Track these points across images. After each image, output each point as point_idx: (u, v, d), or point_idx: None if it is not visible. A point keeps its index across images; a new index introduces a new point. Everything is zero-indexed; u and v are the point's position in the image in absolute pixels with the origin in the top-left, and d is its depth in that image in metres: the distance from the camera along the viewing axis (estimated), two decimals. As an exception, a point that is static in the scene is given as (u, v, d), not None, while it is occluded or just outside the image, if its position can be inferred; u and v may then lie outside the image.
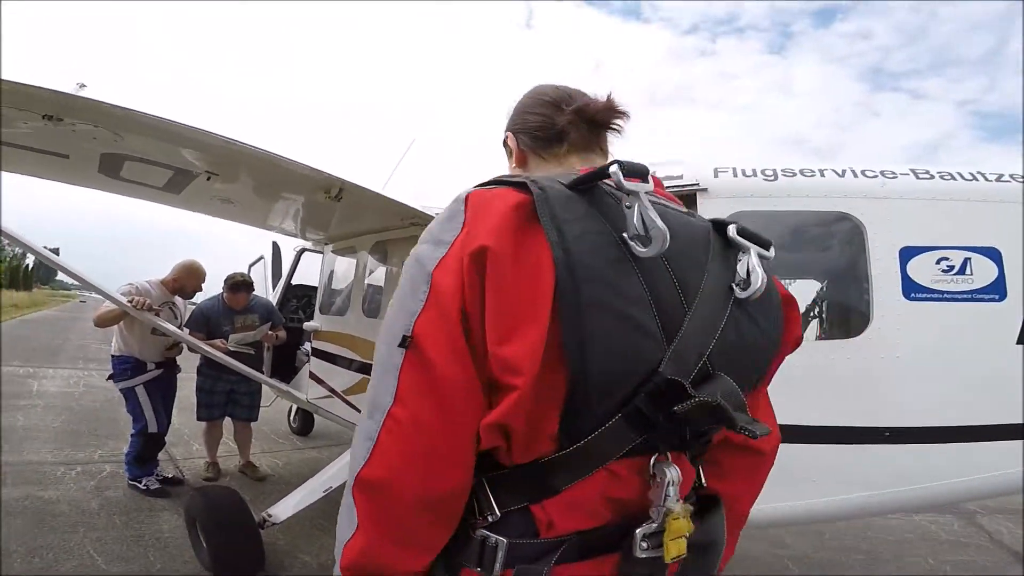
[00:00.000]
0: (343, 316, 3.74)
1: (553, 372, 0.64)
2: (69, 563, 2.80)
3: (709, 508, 0.81)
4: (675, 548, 0.69)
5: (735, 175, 2.10)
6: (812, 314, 2.16)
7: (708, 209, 2.06)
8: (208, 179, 2.73)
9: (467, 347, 0.65)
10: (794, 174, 2.06)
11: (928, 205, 1.97)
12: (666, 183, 2.12)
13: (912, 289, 1.92)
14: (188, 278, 3.95)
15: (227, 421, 4.42)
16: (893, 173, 2.04)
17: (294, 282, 4.86)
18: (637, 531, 0.69)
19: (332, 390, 3.67)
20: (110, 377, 3.89)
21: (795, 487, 1.99)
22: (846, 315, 2.10)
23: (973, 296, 1.92)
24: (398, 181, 3.58)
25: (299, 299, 4.86)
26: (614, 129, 0.91)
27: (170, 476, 4.07)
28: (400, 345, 0.67)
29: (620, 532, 0.70)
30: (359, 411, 3.31)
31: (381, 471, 0.68)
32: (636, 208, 0.67)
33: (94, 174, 2.77)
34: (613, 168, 0.68)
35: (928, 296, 1.91)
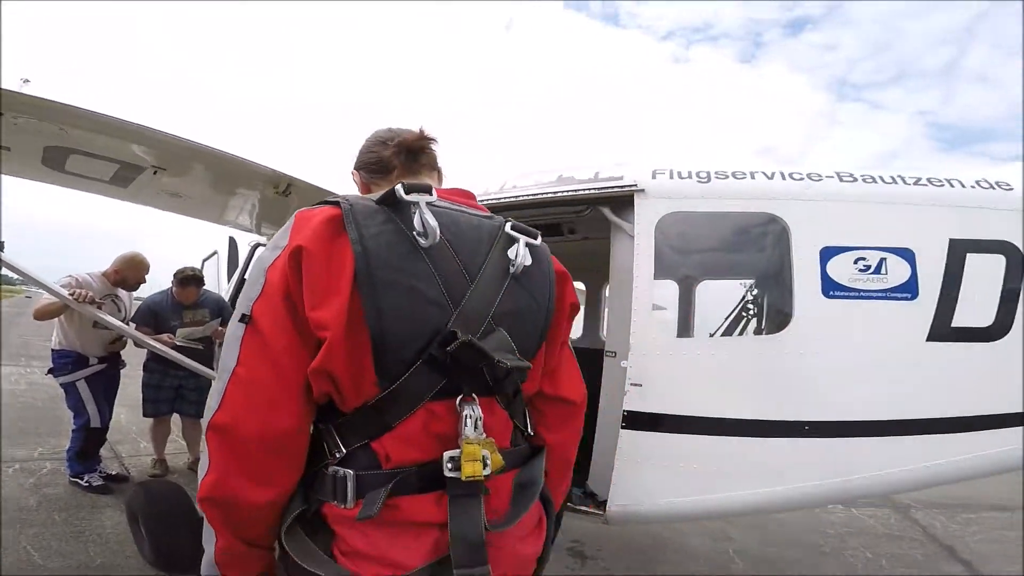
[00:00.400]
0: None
1: (360, 332, 0.87)
2: (4, 559, 2.75)
3: (534, 454, 1.08)
4: (470, 468, 0.89)
5: (671, 177, 2.20)
6: (746, 312, 2.28)
7: (645, 208, 2.16)
8: (155, 173, 2.73)
9: (290, 321, 0.88)
10: (727, 176, 2.17)
11: (849, 207, 2.10)
12: (608, 184, 2.22)
13: (831, 287, 2.04)
14: (129, 270, 3.88)
15: (176, 418, 4.34)
16: (819, 176, 2.17)
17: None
18: (445, 453, 0.90)
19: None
20: (50, 371, 3.80)
21: (727, 479, 2.10)
22: (771, 313, 2.22)
23: (887, 295, 2.06)
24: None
25: None
26: (428, 152, 1.18)
27: (114, 473, 4.01)
28: (241, 321, 0.90)
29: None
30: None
31: (227, 416, 0.87)
32: (418, 213, 0.91)
33: (37, 166, 2.74)
34: (397, 188, 0.93)
35: (845, 294, 2.04)
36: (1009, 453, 2.06)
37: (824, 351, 2.04)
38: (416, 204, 0.92)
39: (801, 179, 2.16)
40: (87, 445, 3.77)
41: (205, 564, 0.96)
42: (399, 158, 1.16)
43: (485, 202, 2.61)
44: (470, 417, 0.92)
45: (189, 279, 4.03)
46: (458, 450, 0.90)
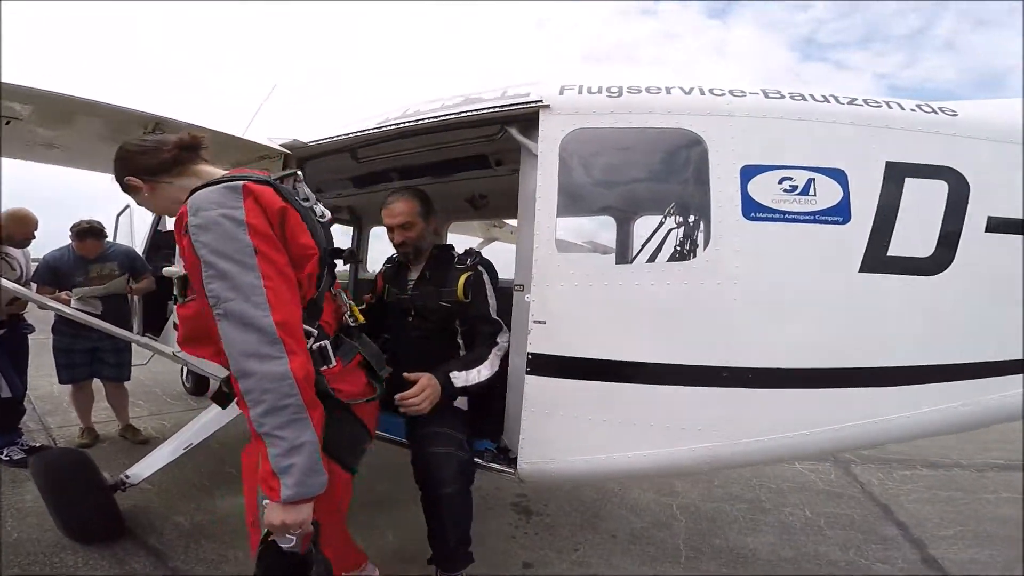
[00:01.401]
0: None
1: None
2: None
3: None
4: (360, 315, 1.68)
5: (580, 92, 1.92)
6: (659, 237, 2.03)
7: (550, 125, 1.88)
8: (8, 123, 2.39)
9: (282, 247, 1.29)
10: (639, 91, 1.90)
11: (774, 124, 1.83)
12: (513, 101, 1.95)
13: (752, 208, 1.79)
14: (14, 225, 3.51)
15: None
16: (743, 92, 1.90)
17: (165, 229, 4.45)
18: (344, 313, 1.63)
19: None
20: (-57, 341, 3.46)
21: (641, 435, 1.84)
22: (687, 237, 1.98)
23: (816, 218, 1.83)
24: (261, 127, 3.23)
25: (170, 247, 4.47)
26: (202, 147, 1.51)
27: (38, 445, 3.70)
28: (253, 254, 1.21)
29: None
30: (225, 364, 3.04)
31: (281, 314, 1.20)
32: (301, 188, 1.49)
33: None
34: (298, 174, 1.49)
35: (769, 216, 1.79)
36: (953, 411, 1.81)
37: (744, 278, 1.79)
38: (301, 182, 1.47)
39: (722, 94, 1.89)
40: (1, 417, 3.49)
41: (308, 453, 1.16)
42: (183, 155, 1.45)
43: (386, 128, 2.32)
44: (344, 294, 1.66)
45: (85, 231, 3.68)
46: (347, 309, 1.63)
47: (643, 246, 1.96)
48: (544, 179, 1.86)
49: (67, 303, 3.41)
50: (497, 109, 1.96)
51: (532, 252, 1.88)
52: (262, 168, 2.87)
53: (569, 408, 1.92)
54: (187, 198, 1.27)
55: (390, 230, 2.29)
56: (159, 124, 2.31)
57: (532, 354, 1.90)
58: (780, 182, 1.82)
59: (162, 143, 1.44)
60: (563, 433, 1.93)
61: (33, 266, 3.77)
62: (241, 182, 1.25)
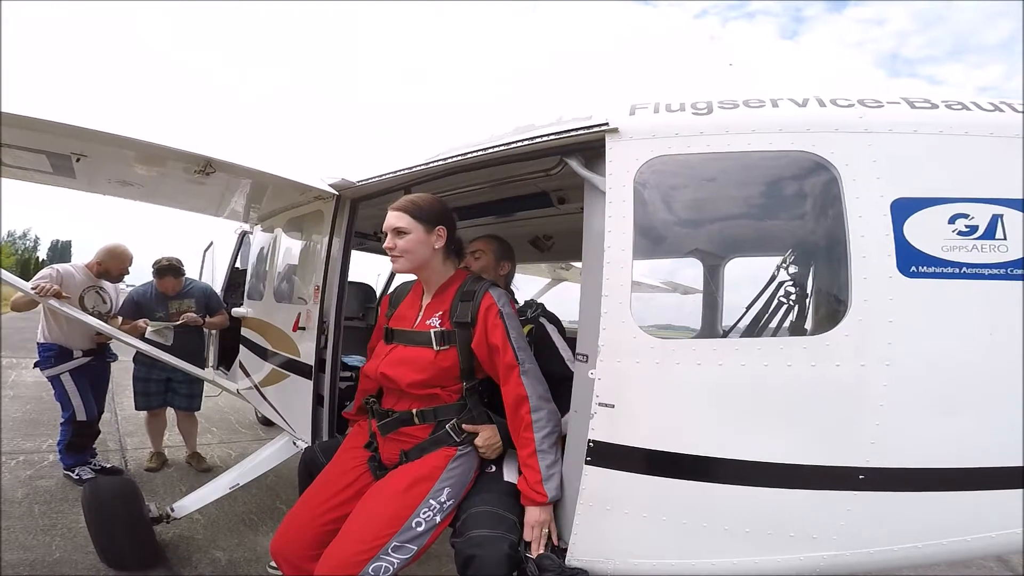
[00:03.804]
0: (261, 301, 3.26)
1: None
2: (-39, 550, 2.44)
3: None
4: None
5: (656, 111, 1.44)
6: (772, 302, 1.47)
7: (620, 154, 1.39)
8: (78, 161, 2.31)
9: None
10: (735, 106, 1.38)
11: (933, 142, 1.28)
12: (573, 125, 1.51)
13: (913, 260, 1.22)
14: (111, 261, 3.50)
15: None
16: (877, 102, 1.34)
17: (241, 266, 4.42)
18: None
19: (252, 380, 3.19)
20: (36, 364, 3.48)
21: (733, 541, 1.35)
22: (815, 300, 1.41)
23: (1008, 272, 1.23)
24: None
25: (244, 284, 4.44)
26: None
27: (108, 466, 3.65)
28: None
29: None
30: (273, 406, 2.80)
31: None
32: None
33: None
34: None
35: (938, 270, 1.21)
36: None
37: (906, 358, 1.22)
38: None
39: (850, 106, 1.34)
40: (75, 438, 3.44)
41: (560, 466, 1.54)
42: (456, 249, 1.73)
43: (433, 164, 1.89)
44: None
45: (164, 269, 3.62)
46: None
47: (744, 313, 1.42)
48: (615, 222, 1.38)
49: (140, 331, 3.36)
50: (553, 137, 1.52)
51: (599, 317, 1.40)
52: (315, 209, 2.73)
53: (637, 506, 1.40)
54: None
55: None
56: (210, 163, 2.13)
57: (594, 442, 1.40)
58: (952, 221, 1.22)
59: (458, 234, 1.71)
60: (627, 532, 1.42)
61: (121, 299, 3.79)
62: (502, 288, 1.66)
